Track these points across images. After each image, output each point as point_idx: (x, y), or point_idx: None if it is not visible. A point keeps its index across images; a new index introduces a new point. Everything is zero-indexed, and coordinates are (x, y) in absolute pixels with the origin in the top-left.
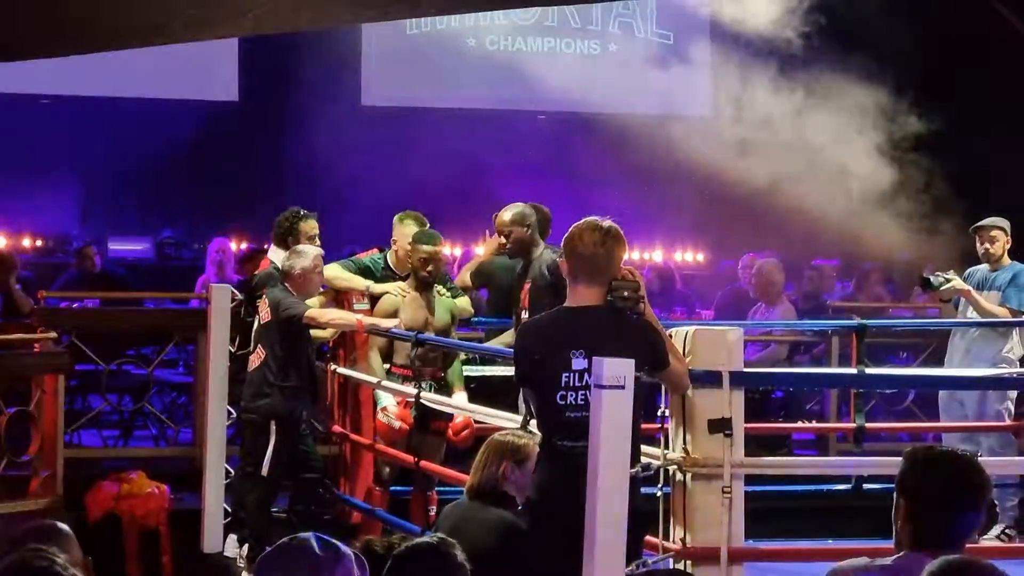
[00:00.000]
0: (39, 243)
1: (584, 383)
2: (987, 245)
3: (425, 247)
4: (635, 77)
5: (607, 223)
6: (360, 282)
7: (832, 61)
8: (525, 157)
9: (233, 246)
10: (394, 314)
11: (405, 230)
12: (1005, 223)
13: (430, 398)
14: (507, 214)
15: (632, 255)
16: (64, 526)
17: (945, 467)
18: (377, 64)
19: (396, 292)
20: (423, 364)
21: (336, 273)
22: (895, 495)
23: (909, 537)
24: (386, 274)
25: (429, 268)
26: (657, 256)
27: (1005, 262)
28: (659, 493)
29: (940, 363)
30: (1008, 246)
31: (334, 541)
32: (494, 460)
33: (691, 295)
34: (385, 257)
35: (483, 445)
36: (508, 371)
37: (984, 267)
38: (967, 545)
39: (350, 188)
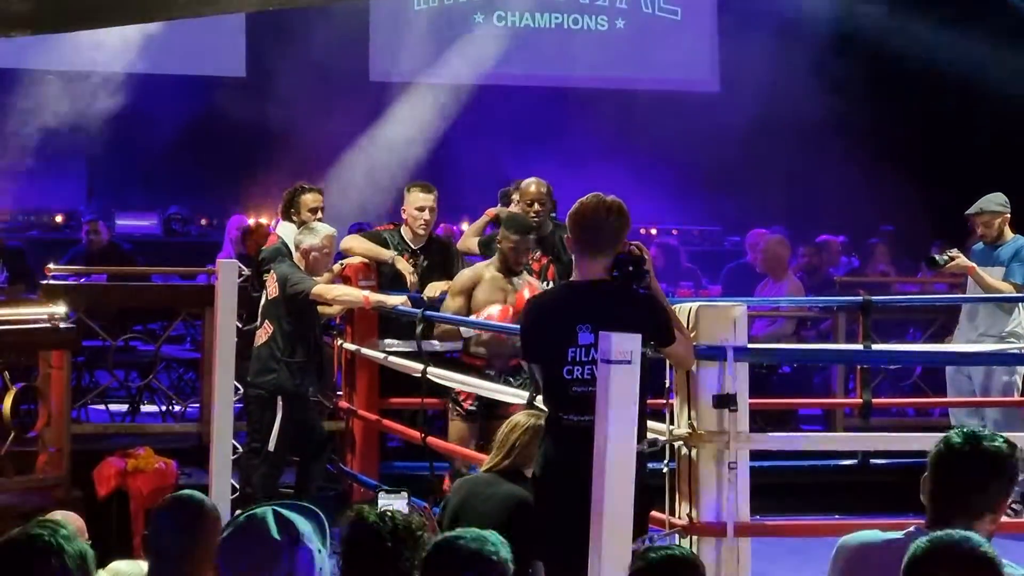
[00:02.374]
0: (46, 218)
1: (590, 358)
2: (982, 229)
3: (512, 236)
4: (643, 53)
5: (611, 198)
6: (384, 252)
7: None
8: (532, 132)
9: (252, 223)
10: (469, 293)
11: (410, 197)
12: (996, 204)
13: (437, 373)
14: (543, 186)
15: (639, 231)
16: (209, 500)
17: (968, 449)
18: (385, 39)
19: (407, 270)
20: (495, 354)
21: (355, 243)
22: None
23: (927, 514)
24: (400, 248)
25: (519, 259)
26: (663, 231)
27: (1007, 237)
28: (665, 468)
29: (947, 338)
30: (1007, 223)
31: (293, 519)
32: (526, 439)
33: (697, 271)
34: (399, 231)
35: (509, 424)
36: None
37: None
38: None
39: (357, 163)
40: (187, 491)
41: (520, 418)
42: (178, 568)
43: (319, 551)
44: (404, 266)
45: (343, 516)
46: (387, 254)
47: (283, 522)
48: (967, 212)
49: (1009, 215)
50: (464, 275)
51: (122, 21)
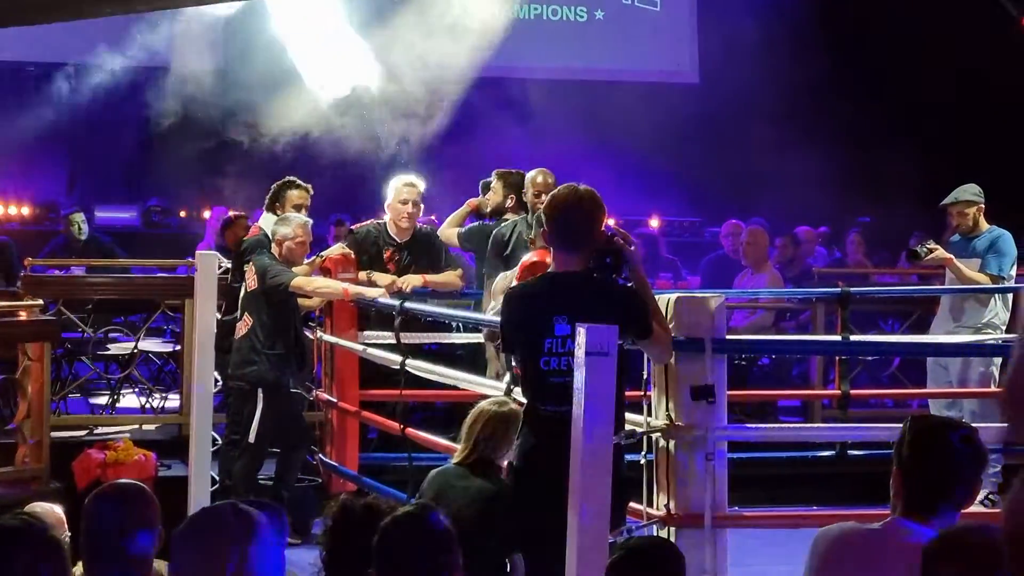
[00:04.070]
0: (26, 211)
1: (567, 349)
2: (957, 219)
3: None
4: (622, 44)
5: (583, 188)
6: (334, 285)
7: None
8: (511, 123)
9: (232, 215)
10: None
11: (393, 192)
12: (972, 193)
13: (416, 365)
14: (549, 176)
15: (617, 222)
16: (145, 487)
17: (942, 436)
18: (364, 31)
19: (381, 286)
20: None
21: (302, 283)
22: (893, 462)
23: (902, 504)
24: (388, 242)
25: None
26: (642, 223)
27: (983, 227)
28: (643, 460)
29: (925, 329)
30: (981, 213)
31: (251, 511)
32: (490, 430)
33: (677, 262)
34: (385, 226)
35: (473, 415)
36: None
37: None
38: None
39: (338, 156)
40: (124, 480)
41: (484, 407)
42: (116, 553)
43: (276, 545)
44: (379, 276)
45: (327, 507)
46: (338, 287)
47: (238, 515)
48: (942, 203)
49: (983, 205)
50: (507, 277)
51: (104, 13)
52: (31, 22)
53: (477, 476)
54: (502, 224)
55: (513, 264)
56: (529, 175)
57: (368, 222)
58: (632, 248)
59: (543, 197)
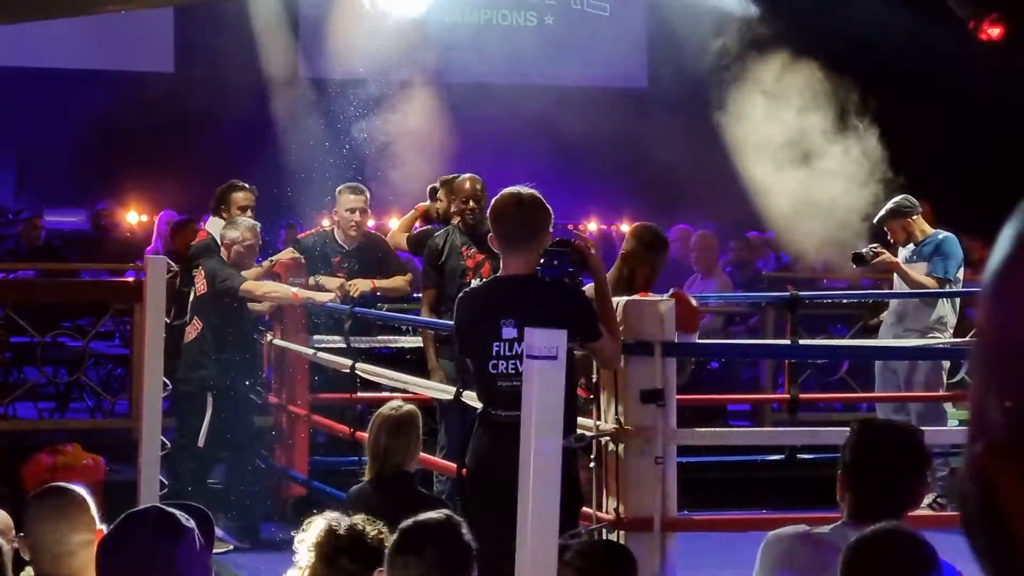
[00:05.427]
0: None
1: (515, 352)
2: (890, 236)
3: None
4: (571, 48)
5: (527, 192)
6: (284, 289)
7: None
8: (460, 129)
9: (181, 218)
10: None
11: (340, 199)
12: (893, 210)
13: (365, 368)
14: (477, 182)
15: (566, 227)
16: (81, 491)
17: (885, 439)
18: (314, 36)
19: (334, 291)
20: None
21: (252, 287)
22: (839, 466)
23: (849, 507)
24: (335, 249)
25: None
26: (594, 227)
27: (928, 232)
28: (591, 464)
29: (874, 334)
30: (916, 223)
31: (175, 515)
32: (388, 437)
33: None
34: (332, 233)
35: (373, 425)
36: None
37: None
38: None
39: (287, 160)
40: (60, 483)
41: (380, 413)
42: (54, 555)
43: (203, 549)
44: (326, 280)
45: (307, 523)
46: (286, 292)
47: (162, 519)
48: (875, 220)
49: (917, 215)
50: None
51: (55, 15)
52: (25, 19)
53: (393, 492)
54: (435, 235)
55: (447, 273)
56: (457, 182)
57: (313, 230)
58: (592, 252)
59: (471, 203)
